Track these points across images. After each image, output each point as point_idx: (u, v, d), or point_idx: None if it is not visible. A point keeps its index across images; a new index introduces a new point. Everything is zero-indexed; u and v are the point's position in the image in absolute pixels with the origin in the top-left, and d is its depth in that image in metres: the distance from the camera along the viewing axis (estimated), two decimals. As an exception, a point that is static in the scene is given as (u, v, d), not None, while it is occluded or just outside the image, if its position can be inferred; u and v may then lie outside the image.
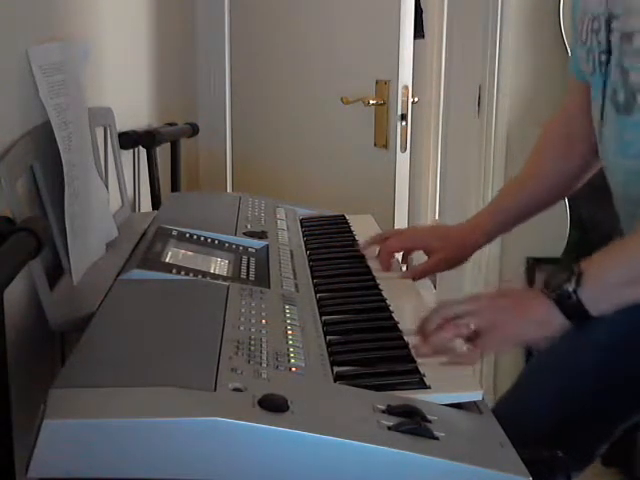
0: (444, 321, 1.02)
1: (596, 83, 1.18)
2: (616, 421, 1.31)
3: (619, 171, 1.17)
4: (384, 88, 2.58)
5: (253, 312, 1.04)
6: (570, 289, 0.99)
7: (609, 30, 1.11)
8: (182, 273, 1.16)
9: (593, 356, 1.26)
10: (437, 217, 3.38)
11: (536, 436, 1.15)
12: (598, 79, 1.16)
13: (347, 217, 1.65)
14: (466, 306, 1.04)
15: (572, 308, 0.99)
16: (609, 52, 1.13)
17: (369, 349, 1.00)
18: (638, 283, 1.01)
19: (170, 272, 1.16)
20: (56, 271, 1.20)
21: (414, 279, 1.32)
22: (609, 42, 1.12)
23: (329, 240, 1.49)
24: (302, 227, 1.58)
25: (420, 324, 1.03)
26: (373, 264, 1.35)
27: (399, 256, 1.43)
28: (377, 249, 1.39)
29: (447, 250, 1.37)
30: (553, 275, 1.01)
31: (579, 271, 1.00)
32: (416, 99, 2.82)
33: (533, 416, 1.29)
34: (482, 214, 1.42)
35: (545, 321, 1.01)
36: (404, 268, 1.41)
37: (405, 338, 1.03)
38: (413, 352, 1.00)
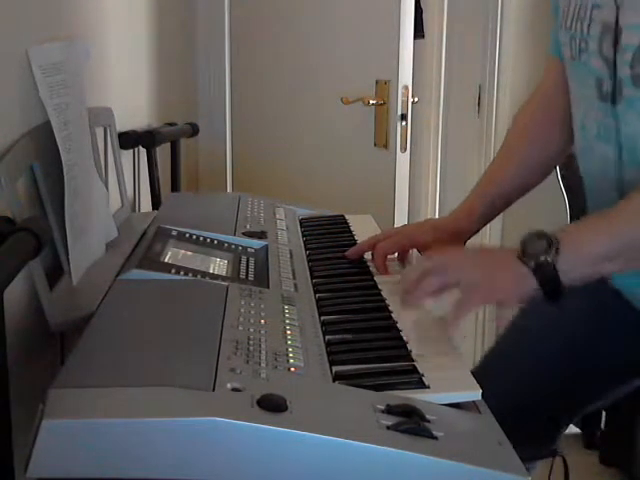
0: (427, 272, 1.03)
1: (576, 70, 1.19)
2: (581, 405, 1.36)
3: (597, 155, 1.19)
4: (384, 88, 2.58)
5: (252, 312, 1.04)
6: (549, 259, 0.99)
7: (591, 18, 1.12)
8: (181, 273, 1.16)
9: (562, 341, 1.28)
10: (437, 217, 3.37)
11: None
12: (579, 66, 1.17)
13: (347, 217, 1.65)
14: (449, 260, 1.05)
15: (547, 277, 1.00)
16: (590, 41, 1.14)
17: (368, 349, 1.01)
18: (615, 258, 1.02)
19: (169, 272, 1.16)
20: (56, 271, 1.20)
21: None
22: (589, 30, 1.13)
23: (329, 240, 1.49)
24: (301, 227, 1.57)
25: (403, 277, 1.04)
26: (372, 264, 1.35)
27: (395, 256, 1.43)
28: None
29: (441, 242, 1.35)
30: (530, 241, 1.01)
31: (557, 241, 1.00)
32: (416, 99, 2.82)
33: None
34: (471, 200, 1.41)
35: (521, 287, 1.02)
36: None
37: (404, 338, 1.04)
38: (412, 348, 1.00)
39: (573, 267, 1.01)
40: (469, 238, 1.40)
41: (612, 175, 1.17)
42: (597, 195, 1.25)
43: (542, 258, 0.99)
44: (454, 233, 1.37)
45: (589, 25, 1.13)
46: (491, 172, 1.44)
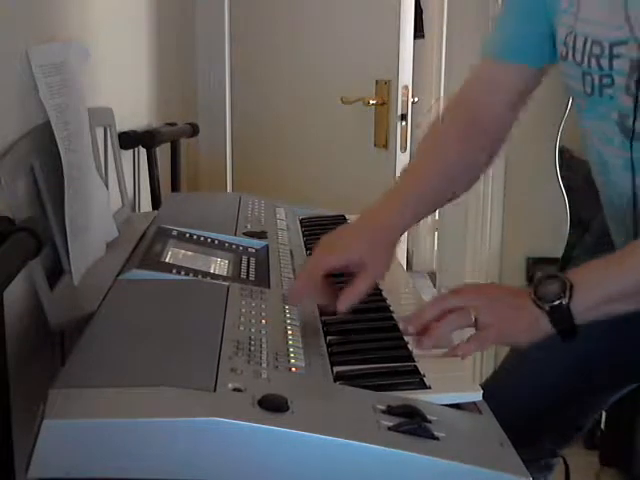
0: (442, 313, 1.02)
1: (595, 105, 1.17)
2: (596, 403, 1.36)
3: (627, 185, 1.18)
4: (384, 88, 2.58)
5: (253, 312, 1.04)
6: (564, 303, 1.00)
7: (612, 55, 1.10)
8: (182, 273, 1.16)
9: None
10: (437, 217, 3.37)
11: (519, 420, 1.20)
12: (599, 101, 1.16)
13: (347, 217, 1.65)
14: (466, 300, 1.04)
15: (562, 319, 1.01)
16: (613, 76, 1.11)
17: (369, 349, 1.01)
18: (628, 298, 1.03)
19: (170, 272, 1.16)
20: (56, 271, 1.20)
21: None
22: (611, 66, 1.11)
23: (329, 240, 1.48)
24: (302, 227, 1.57)
25: (417, 316, 1.03)
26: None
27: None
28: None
29: (378, 262, 1.14)
30: (543, 284, 1.02)
31: (570, 284, 1.01)
32: (416, 99, 2.82)
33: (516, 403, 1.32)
34: (393, 210, 1.22)
35: (535, 329, 1.03)
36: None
37: (405, 338, 1.03)
38: (413, 349, 1.00)
39: (587, 308, 1.01)
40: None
41: None
42: (622, 225, 1.23)
43: (556, 301, 1.00)
44: (388, 251, 1.18)
45: (610, 61, 1.10)
46: (412, 183, 1.28)
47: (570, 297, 1.00)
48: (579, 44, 1.14)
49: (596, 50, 1.12)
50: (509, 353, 1.42)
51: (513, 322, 1.03)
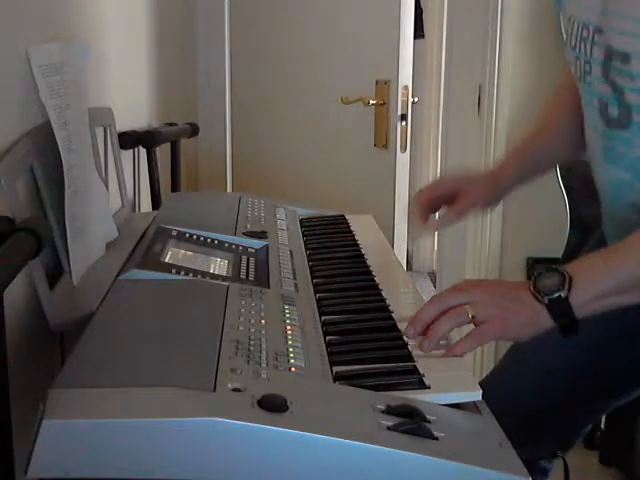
0: (441, 312, 1.02)
1: (582, 91, 1.18)
2: (603, 404, 1.36)
3: (606, 177, 1.18)
4: (384, 88, 2.59)
5: (253, 312, 1.04)
6: (562, 295, 1.00)
7: (593, 41, 1.10)
8: (182, 273, 1.16)
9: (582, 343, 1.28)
10: (437, 217, 3.37)
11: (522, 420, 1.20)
12: (584, 88, 1.16)
13: (347, 217, 1.65)
14: (464, 297, 1.04)
15: (561, 312, 1.01)
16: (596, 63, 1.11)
17: (369, 349, 1.00)
18: (627, 291, 1.03)
19: (170, 272, 1.16)
20: (56, 271, 1.20)
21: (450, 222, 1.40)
22: (592, 53, 1.11)
23: (329, 240, 1.49)
24: (302, 227, 1.58)
25: (416, 317, 1.03)
26: (373, 264, 1.35)
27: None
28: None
29: (481, 190, 1.37)
30: (542, 277, 1.02)
31: (569, 277, 1.01)
32: (416, 99, 2.82)
33: (520, 400, 1.32)
34: (508, 160, 1.42)
35: (535, 322, 1.03)
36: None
37: (405, 338, 1.03)
38: (412, 349, 1.00)
39: (586, 301, 1.01)
40: (507, 193, 1.42)
41: (627, 197, 1.15)
42: (613, 215, 1.23)
43: (555, 294, 1.00)
44: (493, 184, 1.39)
45: (591, 48, 1.10)
46: (533, 136, 1.43)
47: (569, 290, 1.00)
48: (575, 29, 1.14)
49: (584, 34, 1.12)
50: (509, 350, 1.41)
51: (513, 316, 1.03)
